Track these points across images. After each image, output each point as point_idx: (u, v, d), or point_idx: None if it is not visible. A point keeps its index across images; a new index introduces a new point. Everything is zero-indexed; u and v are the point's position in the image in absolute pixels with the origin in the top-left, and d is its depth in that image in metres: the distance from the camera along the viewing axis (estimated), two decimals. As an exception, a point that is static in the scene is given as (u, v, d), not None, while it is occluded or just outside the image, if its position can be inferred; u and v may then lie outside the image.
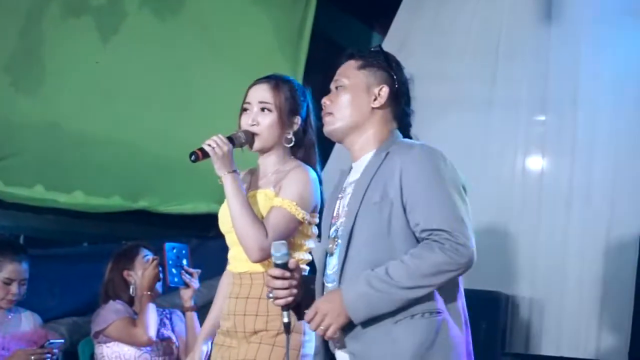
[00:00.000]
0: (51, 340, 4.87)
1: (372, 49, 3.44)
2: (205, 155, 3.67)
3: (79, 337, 5.45)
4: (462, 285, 3.26)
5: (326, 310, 3.14)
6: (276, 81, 3.84)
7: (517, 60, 6.42)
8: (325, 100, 3.40)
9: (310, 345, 3.61)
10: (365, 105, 3.35)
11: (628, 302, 5.83)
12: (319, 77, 6.57)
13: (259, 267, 3.70)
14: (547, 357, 6.02)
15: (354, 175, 3.38)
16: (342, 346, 3.25)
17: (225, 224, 3.81)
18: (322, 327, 3.15)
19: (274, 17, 6.49)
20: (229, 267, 3.88)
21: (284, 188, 3.70)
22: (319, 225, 3.69)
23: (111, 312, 5.02)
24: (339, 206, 3.37)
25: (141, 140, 5.97)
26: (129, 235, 5.75)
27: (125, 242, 5.34)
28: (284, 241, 3.24)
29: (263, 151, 3.83)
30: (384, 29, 6.76)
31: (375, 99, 3.35)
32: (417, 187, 3.16)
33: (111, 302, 5.08)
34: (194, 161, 3.67)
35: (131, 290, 5.10)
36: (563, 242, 6.17)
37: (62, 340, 5.07)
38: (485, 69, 6.47)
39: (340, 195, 3.40)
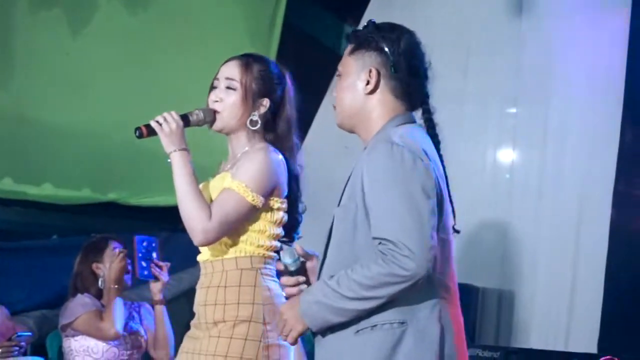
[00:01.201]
0: (19, 333, 4.85)
1: (364, 27, 3.20)
2: (151, 132, 3.50)
3: (47, 329, 5.43)
4: (444, 293, 3.02)
5: (287, 316, 3.04)
6: (248, 59, 3.64)
7: (489, 53, 6.44)
8: (333, 92, 3.25)
9: (274, 334, 3.50)
10: (359, 93, 3.15)
11: (597, 294, 5.86)
12: (291, 69, 6.60)
13: (218, 255, 3.58)
14: (517, 349, 6.02)
15: None
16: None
17: None
18: (283, 333, 3.07)
19: (245, 10, 6.48)
20: (198, 256, 3.72)
21: (237, 170, 3.53)
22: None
23: (79, 306, 4.99)
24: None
25: (111, 133, 5.94)
26: (98, 228, 5.72)
27: (95, 235, 5.31)
28: (293, 246, 3.17)
29: (227, 133, 3.64)
30: (356, 22, 6.75)
31: (367, 84, 3.13)
32: (371, 192, 2.97)
33: (79, 295, 5.04)
34: (138, 137, 3.51)
35: (100, 283, 5.07)
36: (534, 234, 6.20)
37: (30, 333, 5.05)
38: (457, 62, 6.48)
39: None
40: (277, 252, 3.63)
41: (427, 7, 6.63)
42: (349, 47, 3.20)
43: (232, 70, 3.62)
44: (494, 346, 6.05)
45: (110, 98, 5.97)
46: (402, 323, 2.94)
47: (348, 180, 3.09)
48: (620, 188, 5.92)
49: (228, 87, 3.60)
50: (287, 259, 3.16)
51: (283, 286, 3.19)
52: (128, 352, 5.05)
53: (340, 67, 3.22)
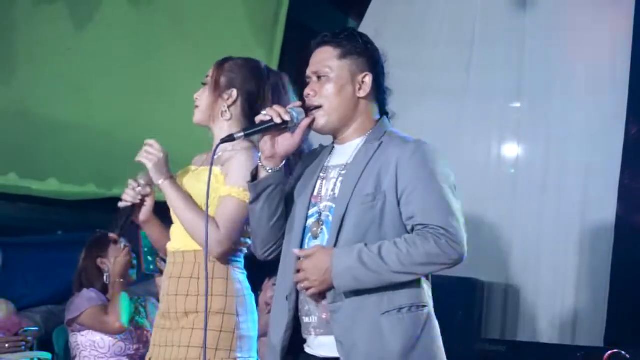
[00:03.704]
0: (26, 328, 4.85)
1: (348, 33, 3.38)
2: None
3: (53, 325, 5.44)
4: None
5: (310, 274, 3.17)
6: (225, 58, 3.80)
7: (492, 48, 6.43)
8: (308, 92, 3.34)
9: (247, 326, 3.59)
10: (351, 96, 3.32)
11: (603, 287, 5.87)
12: (295, 63, 6.59)
13: (189, 246, 3.64)
14: (524, 343, 6.03)
15: (339, 159, 3.35)
16: (327, 332, 3.23)
17: None
18: (302, 285, 3.19)
19: (249, 6, 6.47)
20: (168, 245, 3.80)
21: (230, 174, 3.62)
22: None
23: (84, 300, 5.00)
24: (321, 187, 3.34)
25: (115, 128, 5.95)
26: (103, 223, 5.69)
27: (100, 230, 5.30)
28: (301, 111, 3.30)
29: (206, 125, 3.78)
30: (359, 16, 6.75)
31: (360, 88, 3.32)
32: (415, 182, 3.17)
33: (84, 290, 5.06)
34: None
35: (105, 278, 5.08)
36: (538, 228, 6.19)
37: (37, 328, 5.06)
38: (460, 56, 6.47)
39: (322, 175, 3.36)
40: (246, 247, 3.70)
41: (429, 2, 6.62)
42: (337, 51, 3.32)
43: (210, 71, 3.77)
44: (500, 340, 6.05)
45: (114, 94, 5.97)
46: (425, 306, 3.19)
47: (363, 171, 3.23)
48: (626, 181, 5.93)
49: (203, 84, 3.77)
50: (294, 112, 3.28)
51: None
52: (135, 347, 5.05)
53: (326, 69, 3.31)
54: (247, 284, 3.67)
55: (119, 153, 6.00)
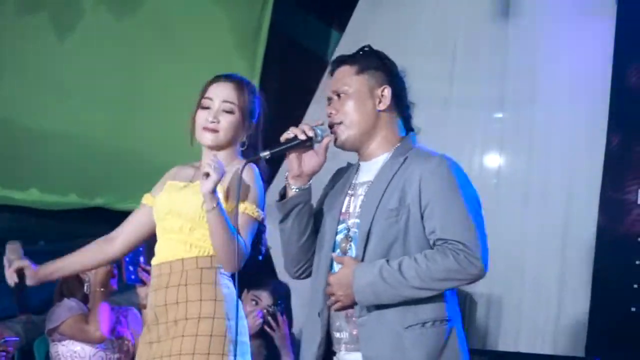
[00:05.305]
0: (7, 338, 4.85)
1: (363, 51, 3.47)
2: None
3: (34, 335, 5.41)
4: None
5: (336, 289, 3.27)
6: (240, 81, 3.77)
7: (475, 58, 6.44)
8: (330, 111, 3.42)
9: (238, 329, 3.57)
10: (371, 110, 3.38)
11: (585, 297, 5.87)
12: (277, 75, 6.60)
13: (179, 255, 3.64)
14: (505, 353, 6.04)
15: (366, 175, 3.42)
16: (357, 349, 3.31)
17: (161, 208, 3.75)
18: (329, 301, 3.30)
19: (231, 15, 6.47)
20: (153, 260, 3.78)
21: (245, 192, 3.61)
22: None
23: (65, 310, 5.00)
24: (349, 203, 3.41)
25: (97, 137, 5.95)
26: (85, 233, 5.67)
27: (82, 240, 5.29)
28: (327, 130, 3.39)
29: (215, 149, 3.74)
30: (342, 26, 6.76)
31: (380, 102, 3.39)
32: (437, 196, 3.24)
33: (65, 299, 5.06)
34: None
35: (85, 287, 5.08)
36: (521, 239, 6.19)
37: (17, 338, 5.05)
38: (443, 66, 6.48)
39: (350, 192, 3.43)
40: None
41: (412, 12, 6.63)
42: (354, 68, 3.41)
43: (229, 93, 3.72)
44: (482, 350, 6.06)
45: (97, 103, 5.96)
46: (449, 320, 3.26)
47: (387, 186, 3.30)
48: (607, 192, 5.93)
49: (224, 110, 3.70)
50: (319, 130, 3.38)
51: None
52: (115, 357, 5.05)
53: (345, 86, 3.40)
54: (233, 289, 3.65)
55: (102, 163, 6.03)
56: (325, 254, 3.40)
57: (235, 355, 3.55)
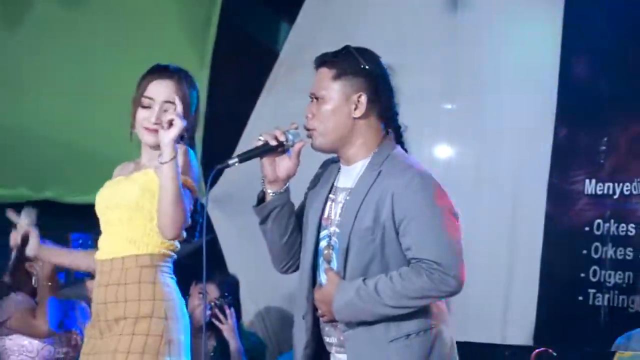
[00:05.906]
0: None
1: (343, 52, 3.40)
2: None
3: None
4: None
5: (320, 305, 3.33)
6: (178, 77, 3.67)
7: (424, 49, 6.44)
8: (307, 113, 3.38)
9: (176, 330, 3.57)
10: (346, 117, 3.33)
11: (533, 287, 5.92)
12: (227, 65, 6.59)
13: (119, 252, 3.62)
14: (454, 343, 6.06)
15: (346, 180, 3.40)
16: (345, 352, 3.34)
17: (101, 203, 3.73)
18: (318, 314, 3.35)
19: (180, 7, 6.46)
20: (96, 255, 3.74)
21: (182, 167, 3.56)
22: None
23: (12, 304, 4.99)
24: (330, 209, 3.41)
25: (47, 130, 5.93)
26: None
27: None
28: (300, 133, 3.37)
29: (156, 148, 3.62)
30: (292, 19, 6.74)
31: (355, 108, 3.33)
32: (411, 213, 3.22)
33: (12, 293, 5.04)
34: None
35: (34, 281, 5.06)
36: (470, 229, 6.16)
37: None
38: (392, 58, 6.47)
39: (331, 197, 3.42)
40: (175, 252, 3.69)
41: (362, 4, 6.63)
42: (332, 72, 3.35)
43: (169, 92, 3.63)
44: (431, 339, 6.07)
45: (46, 95, 5.94)
46: (432, 329, 3.30)
47: (362, 203, 3.28)
48: (555, 182, 5.98)
49: (166, 110, 3.60)
50: (290, 135, 3.36)
51: None
52: (64, 350, 5.04)
53: (322, 91, 3.36)
54: (176, 288, 3.66)
55: (52, 155, 6.00)
56: (308, 259, 3.41)
57: (170, 356, 3.53)
